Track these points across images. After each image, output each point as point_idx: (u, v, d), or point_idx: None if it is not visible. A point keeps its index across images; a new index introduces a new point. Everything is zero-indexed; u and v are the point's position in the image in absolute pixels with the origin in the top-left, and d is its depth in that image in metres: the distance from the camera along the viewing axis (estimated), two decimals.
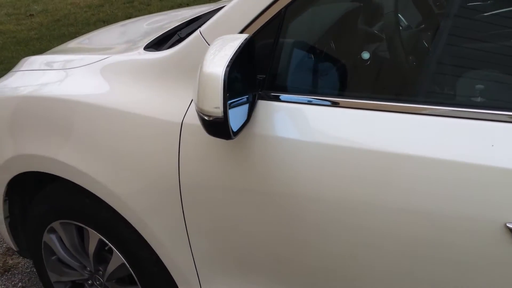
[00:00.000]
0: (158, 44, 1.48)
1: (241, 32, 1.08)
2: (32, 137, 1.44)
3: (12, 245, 1.84)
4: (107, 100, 1.26)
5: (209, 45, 1.11)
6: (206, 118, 0.95)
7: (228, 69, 0.92)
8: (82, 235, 1.58)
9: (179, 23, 1.72)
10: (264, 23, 1.06)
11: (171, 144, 1.15)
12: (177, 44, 1.50)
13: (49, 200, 1.57)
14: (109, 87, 1.29)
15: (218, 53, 0.94)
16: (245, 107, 1.03)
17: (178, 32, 1.53)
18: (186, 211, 1.19)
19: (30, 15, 8.01)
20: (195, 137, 1.13)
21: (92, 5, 8.25)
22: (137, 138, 1.21)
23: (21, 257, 2.40)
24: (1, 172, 1.59)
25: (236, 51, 0.94)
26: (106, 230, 1.43)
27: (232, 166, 1.09)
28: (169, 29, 1.62)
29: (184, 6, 7.91)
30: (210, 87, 0.91)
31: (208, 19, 1.17)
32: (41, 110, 1.40)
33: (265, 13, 1.05)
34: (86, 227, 1.50)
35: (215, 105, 0.91)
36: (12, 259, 2.39)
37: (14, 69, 1.84)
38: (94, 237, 1.49)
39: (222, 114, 0.92)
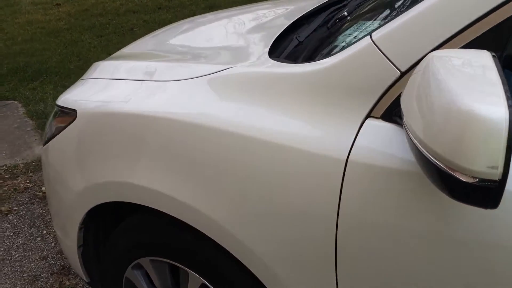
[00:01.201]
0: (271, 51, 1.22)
1: (440, 45, 0.81)
2: (122, 162, 1.19)
3: (82, 275, 1.61)
4: (236, 124, 0.99)
5: (388, 59, 0.85)
6: (463, 178, 0.64)
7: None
8: (177, 275, 1.34)
9: (282, 23, 1.45)
10: (482, 32, 0.78)
11: (329, 185, 0.88)
12: (297, 50, 1.25)
13: (138, 233, 1.32)
14: (237, 108, 1.01)
15: (474, 79, 0.65)
16: None
17: (296, 36, 1.27)
18: (341, 265, 0.93)
19: (57, 4, 7.78)
20: (372, 181, 0.85)
21: None
22: (279, 174, 0.93)
23: (78, 278, 2.19)
24: (82, 199, 1.35)
25: (501, 76, 0.64)
26: (214, 276, 1.19)
27: (454, 216, 0.79)
28: (277, 31, 1.35)
29: None
30: (481, 135, 0.61)
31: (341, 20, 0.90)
32: (139, 130, 1.15)
33: (489, 17, 0.78)
34: (185, 268, 1.25)
35: (489, 163, 0.62)
36: (68, 279, 2.17)
37: (86, 75, 1.59)
38: (195, 281, 1.24)
39: (500, 177, 0.62)
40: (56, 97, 4.01)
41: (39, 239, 2.47)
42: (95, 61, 5.44)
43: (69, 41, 5.74)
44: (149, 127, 1.12)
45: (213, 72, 1.12)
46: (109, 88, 1.35)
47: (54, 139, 1.43)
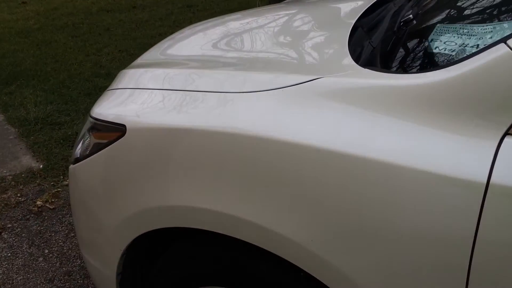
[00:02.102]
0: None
1: None
2: (191, 184, 1.06)
3: None
4: (343, 144, 0.87)
5: None
6: None
7: None
8: None
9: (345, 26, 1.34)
10: None
11: (466, 210, 0.78)
12: (374, 56, 1.14)
13: (198, 261, 1.19)
14: (338, 125, 0.89)
15: None
16: None
17: (369, 41, 1.16)
18: None
19: (23, 2, 7.40)
20: None
21: None
22: (404, 199, 0.83)
23: None
24: (130, 225, 1.20)
25: None
26: None
27: None
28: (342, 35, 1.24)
29: None
30: None
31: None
32: (217, 148, 1.00)
33: None
34: None
35: None
36: None
37: (116, 85, 1.43)
38: None
39: None
40: (37, 102, 3.79)
41: (41, 259, 2.27)
42: (73, 63, 5.17)
43: (42, 42, 5.44)
44: (231, 145, 0.99)
45: (296, 83, 1.00)
46: (158, 100, 1.21)
47: (92, 157, 1.27)
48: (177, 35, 1.86)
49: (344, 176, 0.88)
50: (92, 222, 1.36)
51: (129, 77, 1.43)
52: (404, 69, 1.01)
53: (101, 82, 4.17)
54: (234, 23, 1.75)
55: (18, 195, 2.74)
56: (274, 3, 5.45)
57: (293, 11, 1.83)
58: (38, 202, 2.65)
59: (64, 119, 3.53)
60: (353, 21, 1.34)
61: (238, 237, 1.04)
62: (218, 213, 1.04)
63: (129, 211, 1.20)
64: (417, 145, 0.84)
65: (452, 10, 1.23)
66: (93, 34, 5.66)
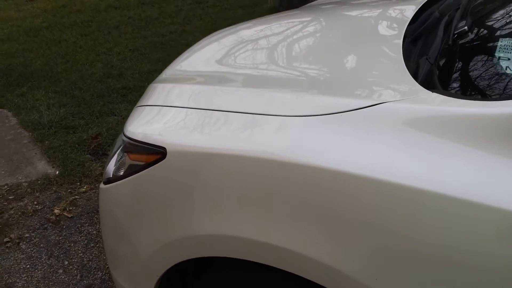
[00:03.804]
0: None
1: None
2: (238, 212, 0.99)
3: None
4: (414, 177, 0.80)
5: None
6: None
7: None
8: None
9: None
10: None
11: None
12: (432, 74, 1.06)
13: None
14: (409, 156, 0.82)
15: None
16: None
17: (426, 56, 1.08)
18: None
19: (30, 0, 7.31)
20: None
21: None
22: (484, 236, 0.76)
23: None
24: (169, 251, 1.13)
25: None
26: None
27: None
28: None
29: None
30: None
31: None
32: (271, 177, 0.92)
33: None
34: None
35: None
36: None
37: (148, 101, 1.34)
38: None
39: None
40: (49, 104, 3.72)
41: (61, 271, 2.21)
42: (84, 63, 5.07)
43: (51, 41, 5.36)
44: (285, 174, 0.92)
45: (356, 108, 0.93)
46: (199, 121, 1.13)
47: (129, 179, 1.20)
48: (200, 45, 1.77)
49: (419, 214, 0.81)
50: (126, 245, 1.29)
51: (159, 92, 1.35)
52: (474, 93, 0.93)
53: (113, 83, 4.10)
54: (259, 32, 1.67)
55: (35, 202, 2.68)
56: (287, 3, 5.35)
57: (321, 19, 1.75)
58: (56, 211, 2.59)
59: (78, 122, 3.46)
60: (402, 32, 1.25)
61: (295, 272, 0.97)
62: (278, 248, 0.96)
63: (170, 237, 1.13)
64: (495, 180, 0.77)
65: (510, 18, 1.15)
66: (102, 33, 5.58)
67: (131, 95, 3.88)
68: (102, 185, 1.34)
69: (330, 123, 0.94)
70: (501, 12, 1.23)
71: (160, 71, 5.09)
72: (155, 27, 5.71)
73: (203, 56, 1.56)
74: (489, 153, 0.79)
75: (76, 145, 3.16)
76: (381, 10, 1.73)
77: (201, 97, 1.23)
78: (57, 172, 2.90)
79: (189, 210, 1.07)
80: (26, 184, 2.83)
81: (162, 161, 1.11)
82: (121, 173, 1.25)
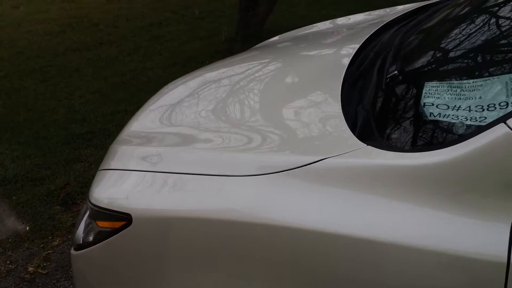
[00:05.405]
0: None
1: None
2: (210, 274, 1.05)
3: None
4: (363, 230, 0.88)
5: None
6: None
7: None
8: None
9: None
10: None
11: None
12: (368, 122, 1.16)
13: None
14: (353, 209, 0.91)
15: None
16: None
17: (362, 105, 1.17)
18: None
19: None
20: None
21: (53, 32, 7.58)
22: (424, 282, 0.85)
23: None
24: None
25: None
26: None
27: None
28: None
29: (156, 25, 7.31)
30: None
31: None
32: (243, 240, 0.98)
33: None
34: None
35: None
36: None
37: (109, 164, 1.39)
38: None
39: None
40: (14, 157, 3.71)
41: None
42: (46, 110, 5.02)
43: (10, 90, 5.32)
44: (248, 235, 0.99)
45: (300, 165, 1.01)
46: (161, 184, 1.20)
47: (97, 246, 1.25)
48: (156, 98, 1.82)
49: (364, 263, 0.90)
50: None
51: (120, 155, 1.41)
52: (403, 145, 1.03)
53: (77, 128, 4.11)
54: (209, 84, 1.74)
55: (8, 262, 2.66)
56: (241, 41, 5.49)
57: (276, 63, 1.85)
58: (30, 268, 2.58)
59: (44, 173, 3.45)
60: (341, 77, 1.35)
61: None
62: None
63: None
64: (432, 227, 0.87)
65: (437, 59, 1.25)
66: (62, 77, 5.57)
67: (96, 139, 3.90)
68: (73, 251, 1.38)
69: (277, 181, 1.02)
70: (430, 53, 1.32)
71: (123, 111, 5.04)
72: (115, 67, 5.74)
73: (158, 113, 1.63)
74: (418, 202, 0.89)
75: (45, 197, 3.16)
76: (328, 49, 1.84)
77: (161, 159, 1.30)
78: (28, 228, 2.89)
79: (160, 277, 1.13)
80: None
81: (128, 227, 1.16)
82: (91, 239, 1.29)
